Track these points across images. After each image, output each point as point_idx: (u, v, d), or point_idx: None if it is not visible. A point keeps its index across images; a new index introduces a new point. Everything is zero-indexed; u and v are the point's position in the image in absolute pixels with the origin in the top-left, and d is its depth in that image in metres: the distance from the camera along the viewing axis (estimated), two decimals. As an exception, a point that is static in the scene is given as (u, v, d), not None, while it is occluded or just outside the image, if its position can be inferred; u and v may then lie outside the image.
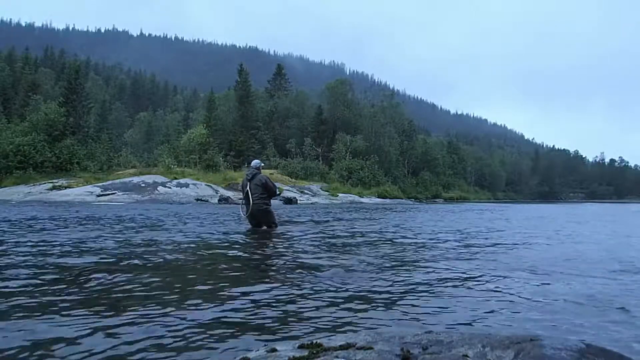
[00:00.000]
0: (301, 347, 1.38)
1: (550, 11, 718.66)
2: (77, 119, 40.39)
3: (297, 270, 4.01)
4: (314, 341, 1.41)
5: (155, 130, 71.41)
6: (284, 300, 2.92)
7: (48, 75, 68.85)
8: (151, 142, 64.16)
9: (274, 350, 1.39)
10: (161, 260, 4.46)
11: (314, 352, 1.32)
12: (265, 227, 7.86)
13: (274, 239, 6.78)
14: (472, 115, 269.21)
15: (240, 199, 8.25)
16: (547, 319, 2.59)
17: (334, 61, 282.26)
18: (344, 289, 3.28)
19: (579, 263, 4.76)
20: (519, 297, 3.13)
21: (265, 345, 1.55)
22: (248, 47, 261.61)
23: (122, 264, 4.17)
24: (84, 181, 31.24)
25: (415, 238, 7.18)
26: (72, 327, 2.25)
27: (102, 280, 3.40)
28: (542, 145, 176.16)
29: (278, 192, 9.15)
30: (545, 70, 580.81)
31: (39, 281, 3.33)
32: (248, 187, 7.72)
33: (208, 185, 30.51)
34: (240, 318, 2.50)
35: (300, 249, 5.51)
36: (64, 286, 3.19)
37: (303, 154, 50.96)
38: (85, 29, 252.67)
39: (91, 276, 3.51)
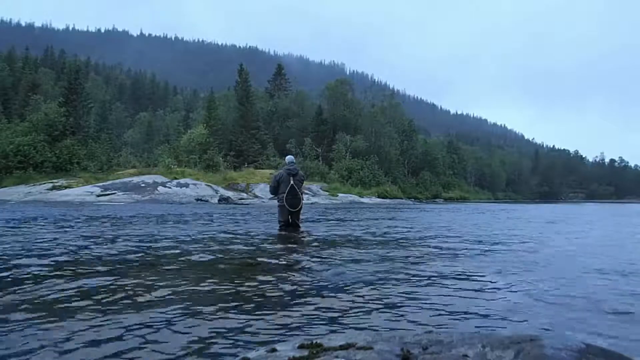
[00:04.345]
0: (301, 347, 1.38)
1: (550, 11, 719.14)
2: (77, 119, 40.34)
3: (298, 270, 4.01)
4: (314, 341, 1.40)
5: (155, 130, 71.27)
6: (284, 300, 2.92)
7: (48, 75, 68.65)
8: (151, 142, 64.02)
9: (274, 350, 1.39)
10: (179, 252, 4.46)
11: (314, 352, 1.32)
12: (292, 227, 7.78)
13: (278, 239, 6.78)
14: (472, 115, 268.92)
15: (283, 193, 7.58)
16: (548, 318, 2.59)
17: (334, 61, 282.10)
18: (344, 289, 3.28)
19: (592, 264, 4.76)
20: (521, 297, 3.12)
21: (265, 345, 1.55)
22: (248, 47, 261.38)
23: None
24: (83, 181, 31.23)
25: (420, 237, 7.18)
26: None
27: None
28: (542, 145, 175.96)
29: None
30: (545, 70, 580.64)
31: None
32: (292, 182, 7.61)
33: (208, 185, 30.51)
34: (241, 318, 2.50)
35: (300, 249, 5.51)
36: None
37: (303, 154, 50.90)
38: (85, 29, 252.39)
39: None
